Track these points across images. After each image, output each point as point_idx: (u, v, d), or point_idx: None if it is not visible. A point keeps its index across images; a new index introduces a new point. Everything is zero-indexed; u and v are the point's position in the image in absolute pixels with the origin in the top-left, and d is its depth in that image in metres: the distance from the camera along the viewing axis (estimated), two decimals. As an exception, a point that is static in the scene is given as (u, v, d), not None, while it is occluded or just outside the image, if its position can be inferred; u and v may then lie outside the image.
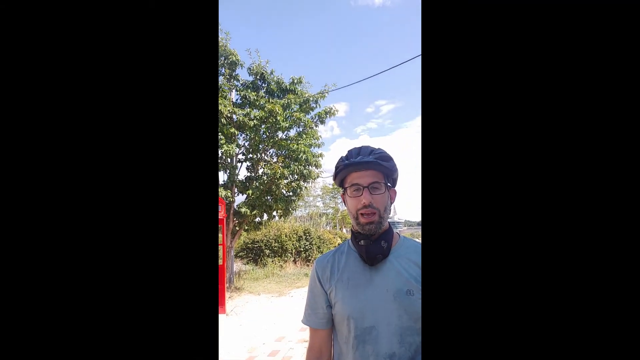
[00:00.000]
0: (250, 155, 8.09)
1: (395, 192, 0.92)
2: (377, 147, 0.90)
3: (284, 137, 8.10)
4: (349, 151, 0.90)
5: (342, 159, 0.89)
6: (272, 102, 7.47)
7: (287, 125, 7.59)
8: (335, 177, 0.92)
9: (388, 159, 0.87)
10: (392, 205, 0.94)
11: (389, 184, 0.88)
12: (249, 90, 7.93)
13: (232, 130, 7.37)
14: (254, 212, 7.48)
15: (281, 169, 7.29)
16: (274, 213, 8.12)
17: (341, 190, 0.93)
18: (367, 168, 0.85)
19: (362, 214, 0.84)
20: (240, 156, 8.19)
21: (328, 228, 17.51)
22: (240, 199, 8.03)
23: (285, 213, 8.14)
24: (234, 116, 7.49)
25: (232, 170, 7.86)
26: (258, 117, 7.36)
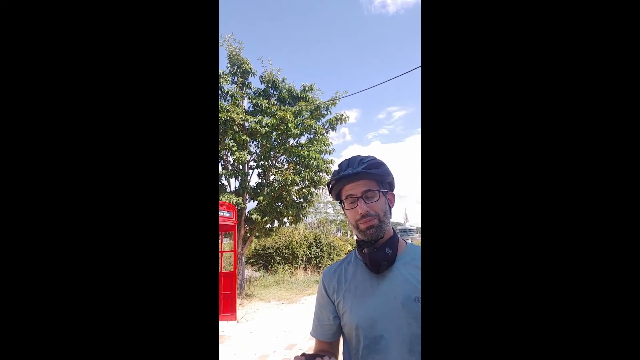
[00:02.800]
0: (262, 162, 8.16)
1: (393, 196, 0.93)
2: (367, 155, 0.91)
3: (295, 143, 8.16)
4: (339, 164, 0.91)
5: (334, 173, 0.90)
6: (284, 110, 7.55)
7: (298, 132, 7.65)
8: (330, 192, 0.93)
9: (378, 165, 0.88)
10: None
11: (384, 189, 0.88)
12: (261, 98, 8.03)
13: (244, 137, 7.45)
14: (265, 218, 7.52)
15: (292, 176, 7.32)
16: (285, 219, 8.14)
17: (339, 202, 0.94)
18: (358, 179, 0.86)
19: (361, 222, 0.85)
20: (251, 163, 8.27)
21: (338, 235, 17.42)
22: (251, 205, 8.10)
23: (296, 219, 8.15)
24: (246, 123, 7.59)
25: (244, 177, 7.93)
26: (269, 124, 7.43)
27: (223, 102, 7.71)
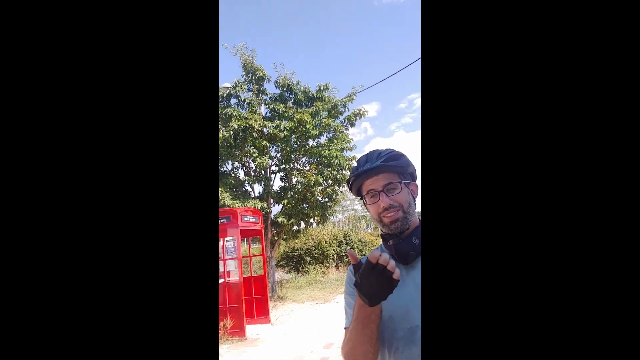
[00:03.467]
0: (283, 166, 8.26)
1: (416, 186, 0.92)
2: (385, 149, 0.90)
3: (315, 144, 8.19)
4: (357, 161, 0.91)
5: (353, 170, 0.91)
6: (301, 112, 7.60)
7: (316, 132, 7.67)
8: (350, 189, 0.93)
9: (397, 157, 0.87)
10: (415, 199, 0.93)
11: (405, 181, 0.87)
12: (277, 103, 8.12)
13: (264, 143, 7.57)
14: (291, 221, 7.60)
15: (315, 176, 7.36)
16: (311, 220, 8.19)
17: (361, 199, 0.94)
18: (378, 172, 0.85)
19: (384, 216, 0.85)
20: (273, 167, 8.38)
21: (369, 230, 17.29)
22: (276, 209, 8.20)
23: (323, 219, 8.19)
24: (265, 129, 7.69)
25: (267, 182, 8.05)
26: (288, 127, 7.51)
27: (241, 110, 7.86)
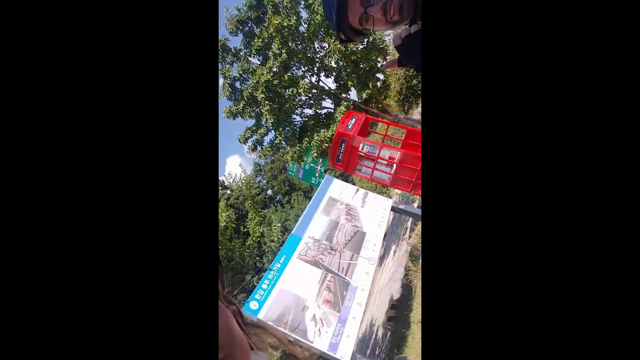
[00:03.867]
0: (315, 68, 8.04)
1: None
2: None
3: (306, 23, 7.58)
4: (326, 19, 0.83)
5: (333, 29, 0.77)
6: (265, 27, 7.11)
7: (294, 19, 7.04)
8: (352, 41, 0.81)
9: None
10: None
11: None
12: (253, 41, 7.71)
13: (285, 77, 7.42)
14: (370, 86, 7.58)
15: (338, 46, 6.96)
16: (378, 65, 7.90)
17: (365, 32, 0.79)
18: (345, 2, 0.72)
19: (392, 19, 0.73)
20: (312, 80, 8.28)
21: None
22: (353, 95, 8.18)
23: (383, 52, 7.82)
24: (274, 68, 7.49)
25: (326, 92, 7.98)
26: (278, 47, 7.15)
27: (252, 91, 7.81)
